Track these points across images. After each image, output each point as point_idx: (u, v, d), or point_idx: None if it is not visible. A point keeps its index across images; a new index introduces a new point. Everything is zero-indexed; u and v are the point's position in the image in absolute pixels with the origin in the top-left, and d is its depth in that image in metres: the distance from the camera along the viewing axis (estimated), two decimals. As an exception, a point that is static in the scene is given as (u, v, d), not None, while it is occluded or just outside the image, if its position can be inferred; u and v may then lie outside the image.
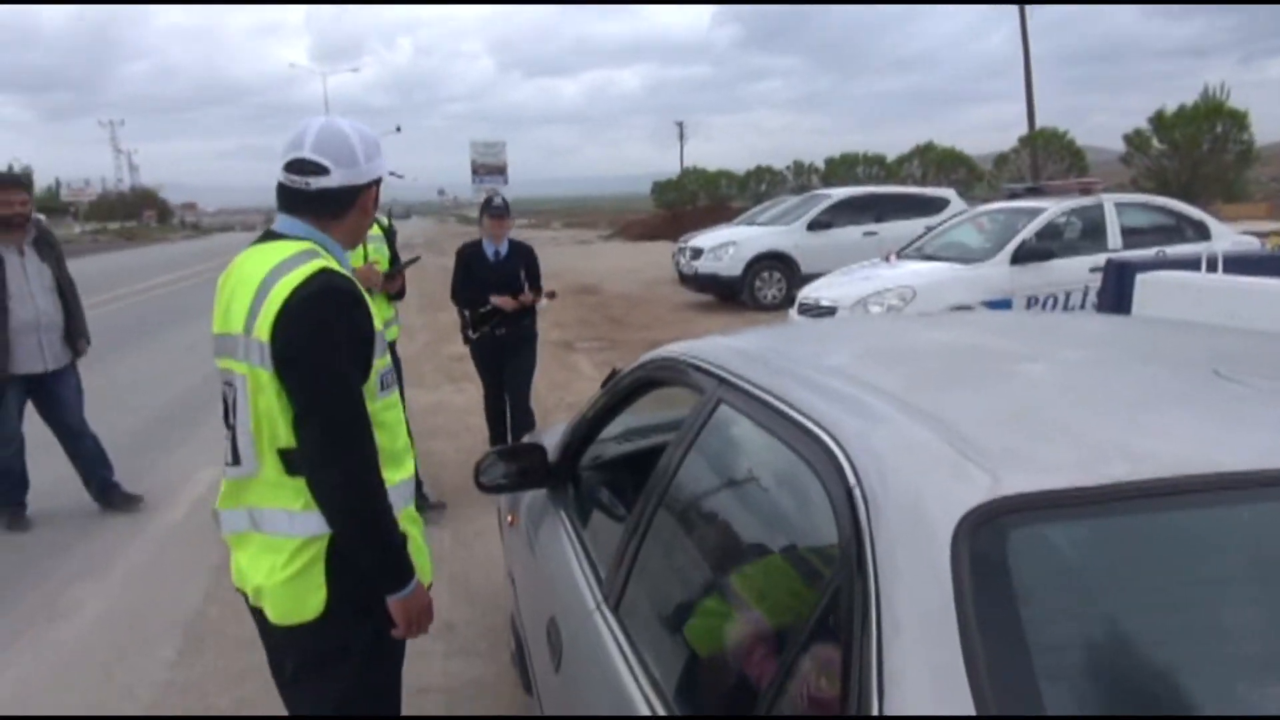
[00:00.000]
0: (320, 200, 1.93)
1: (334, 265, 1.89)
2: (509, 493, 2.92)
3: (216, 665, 3.52)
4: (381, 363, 1.93)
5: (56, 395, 5.16)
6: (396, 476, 1.97)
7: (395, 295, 5.40)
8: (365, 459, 1.82)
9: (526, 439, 3.44)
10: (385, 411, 1.96)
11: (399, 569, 1.89)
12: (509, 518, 3.12)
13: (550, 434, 3.07)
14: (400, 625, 1.93)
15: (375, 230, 5.46)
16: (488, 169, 49.79)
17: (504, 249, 5.37)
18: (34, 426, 5.27)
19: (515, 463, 2.63)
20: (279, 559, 1.87)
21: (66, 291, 5.08)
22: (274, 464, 1.87)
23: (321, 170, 1.90)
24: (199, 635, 3.76)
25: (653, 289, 16.42)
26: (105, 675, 3.49)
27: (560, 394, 8.06)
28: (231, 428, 1.90)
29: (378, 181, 2.01)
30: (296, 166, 1.91)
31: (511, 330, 5.41)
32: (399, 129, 57.26)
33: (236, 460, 1.91)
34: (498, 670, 3.43)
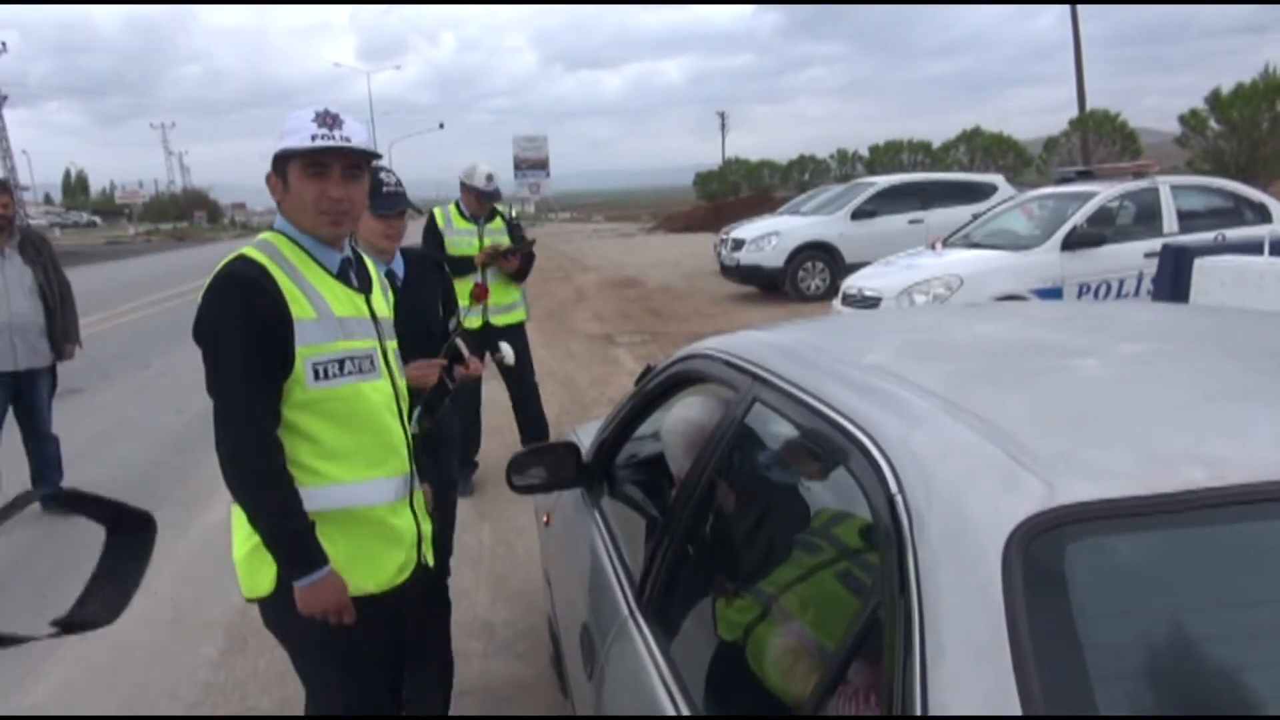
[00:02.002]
0: None
1: (251, 253, 1.92)
2: (542, 493, 2.86)
3: (258, 666, 3.52)
4: (314, 350, 1.91)
5: (28, 396, 5.20)
6: (351, 474, 1.98)
7: (515, 277, 5.51)
8: (243, 440, 1.87)
9: (563, 437, 3.38)
10: (332, 402, 1.95)
11: (288, 555, 1.90)
12: (544, 517, 3.07)
13: (585, 432, 3.01)
14: (301, 610, 1.92)
15: (498, 223, 5.49)
16: (530, 163, 49.98)
17: (400, 268, 2.97)
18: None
19: (548, 462, 2.57)
20: (245, 532, 1.98)
21: (50, 295, 5.13)
22: None
23: None
24: (241, 635, 3.77)
25: (694, 281, 16.31)
26: (147, 675, 3.51)
27: (601, 388, 8.02)
28: None
29: (276, 166, 1.96)
30: None
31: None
32: (442, 125, 57.84)
33: None
34: (536, 672, 3.38)
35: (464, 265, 5.26)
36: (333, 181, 1.93)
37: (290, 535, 1.88)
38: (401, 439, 2.11)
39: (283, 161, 1.94)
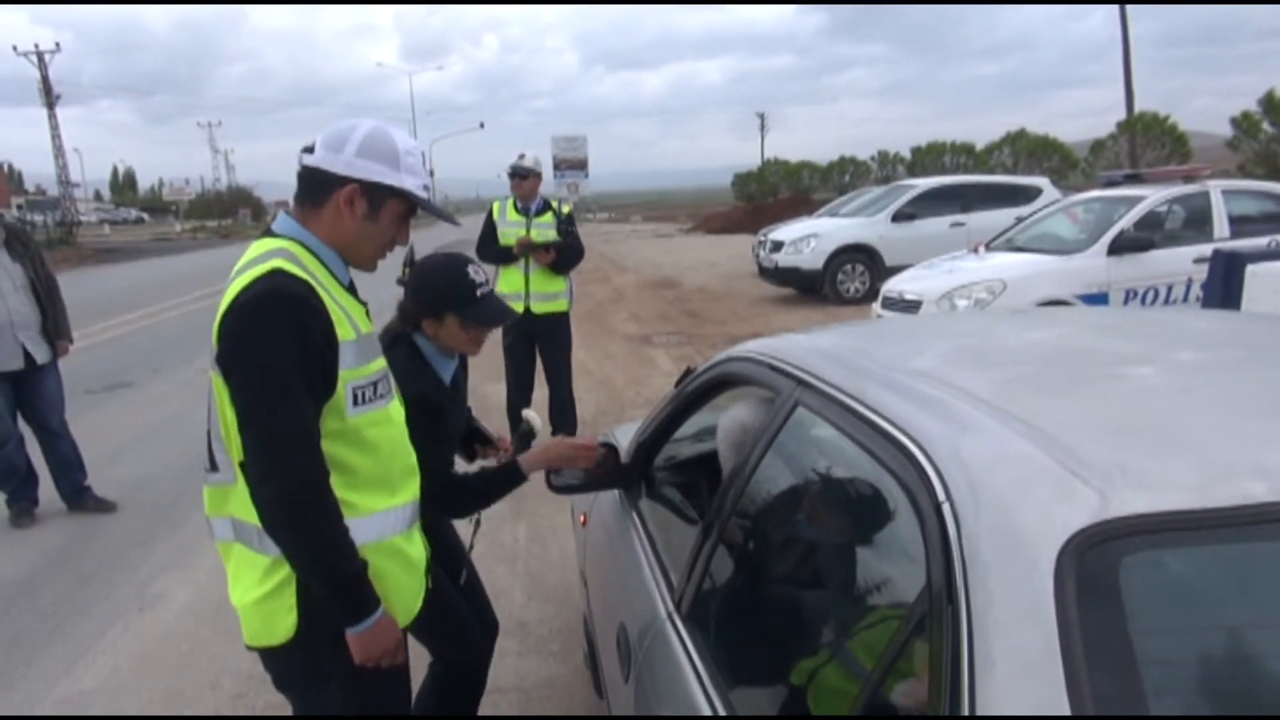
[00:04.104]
0: (302, 181, 1.80)
1: (289, 267, 1.69)
2: (580, 493, 2.87)
3: (296, 657, 3.56)
4: (355, 374, 1.74)
5: (37, 394, 5.09)
6: (382, 503, 1.82)
7: (556, 268, 5.74)
8: (303, 477, 1.65)
9: (600, 437, 3.39)
10: (369, 429, 1.78)
11: (348, 600, 1.72)
12: (580, 517, 3.07)
13: (623, 432, 3.01)
14: (357, 660, 1.76)
15: (547, 217, 5.74)
16: (569, 163, 50.10)
17: (450, 369, 2.49)
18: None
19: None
20: (254, 576, 1.76)
21: (42, 290, 5.03)
22: (242, 476, 1.72)
23: (311, 150, 1.78)
24: (280, 627, 3.81)
25: (732, 282, 16.26)
26: (190, 666, 3.56)
27: (637, 389, 8.02)
28: (208, 433, 1.79)
29: (371, 189, 1.76)
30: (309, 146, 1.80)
31: None
32: (482, 125, 58.22)
33: (214, 467, 1.78)
34: (570, 671, 3.39)
35: (509, 254, 5.72)
36: (407, 226, 1.87)
37: (349, 579, 1.70)
38: (417, 462, 1.96)
39: (386, 192, 1.78)
